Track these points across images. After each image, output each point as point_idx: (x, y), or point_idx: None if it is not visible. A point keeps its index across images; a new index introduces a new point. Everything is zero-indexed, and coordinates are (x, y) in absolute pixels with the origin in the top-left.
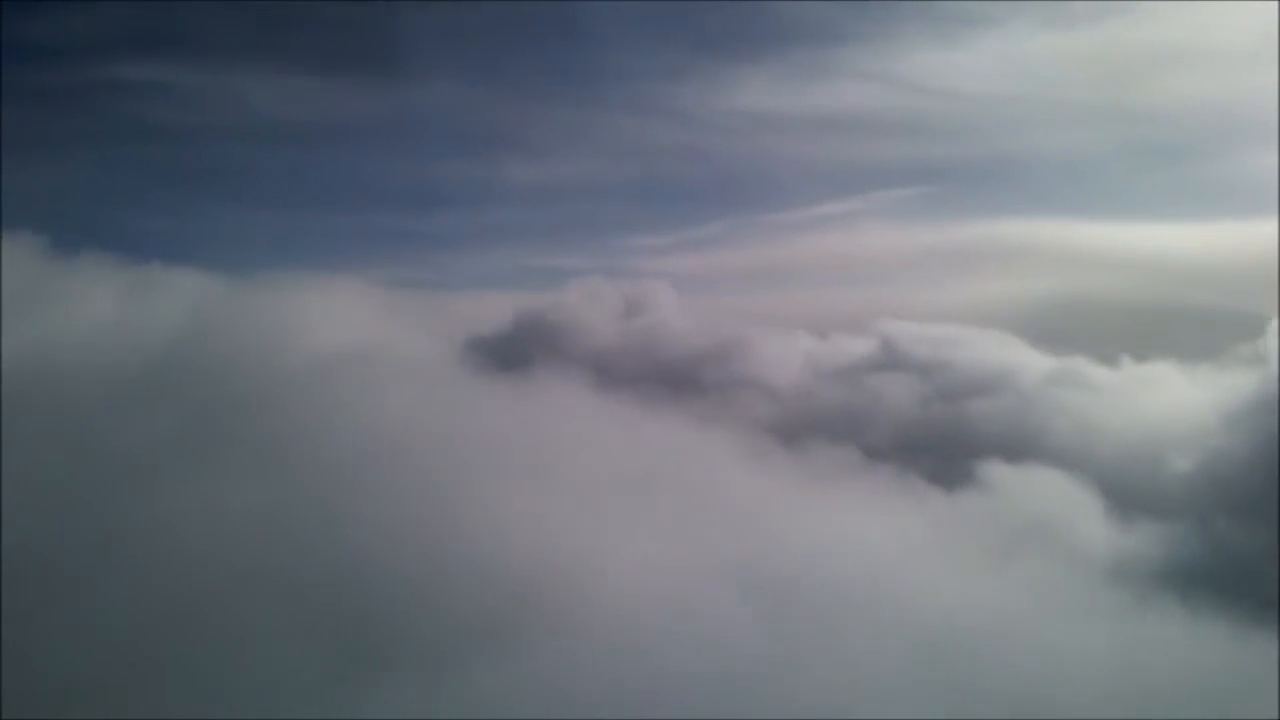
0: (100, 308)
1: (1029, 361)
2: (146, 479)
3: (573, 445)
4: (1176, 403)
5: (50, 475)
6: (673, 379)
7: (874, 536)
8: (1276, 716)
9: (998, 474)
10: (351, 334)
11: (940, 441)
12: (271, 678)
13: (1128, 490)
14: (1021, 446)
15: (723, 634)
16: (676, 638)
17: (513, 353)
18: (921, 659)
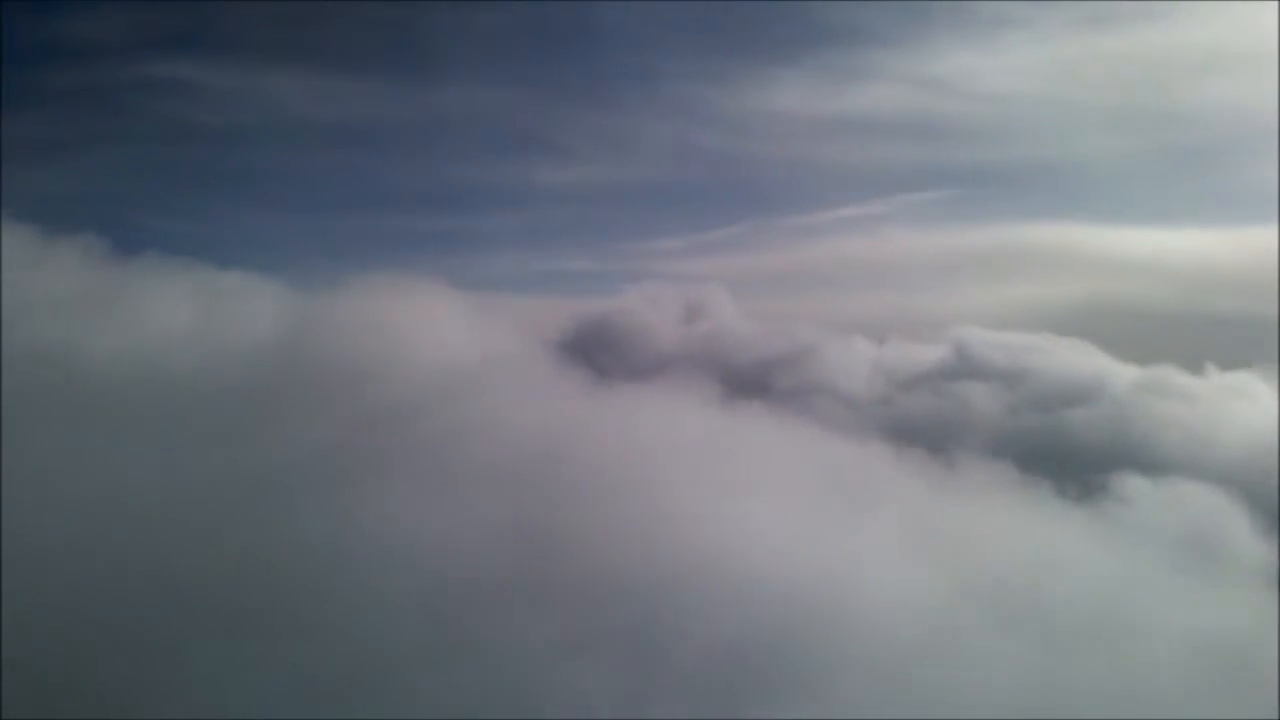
0: (180, 314)
1: (1111, 369)
2: (297, 492)
3: (737, 455)
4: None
5: (186, 490)
6: (747, 385)
7: (1048, 548)
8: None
9: (1133, 486)
10: (449, 338)
11: (1050, 452)
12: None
13: (1265, 501)
14: (1131, 457)
15: (984, 655)
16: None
17: (595, 359)
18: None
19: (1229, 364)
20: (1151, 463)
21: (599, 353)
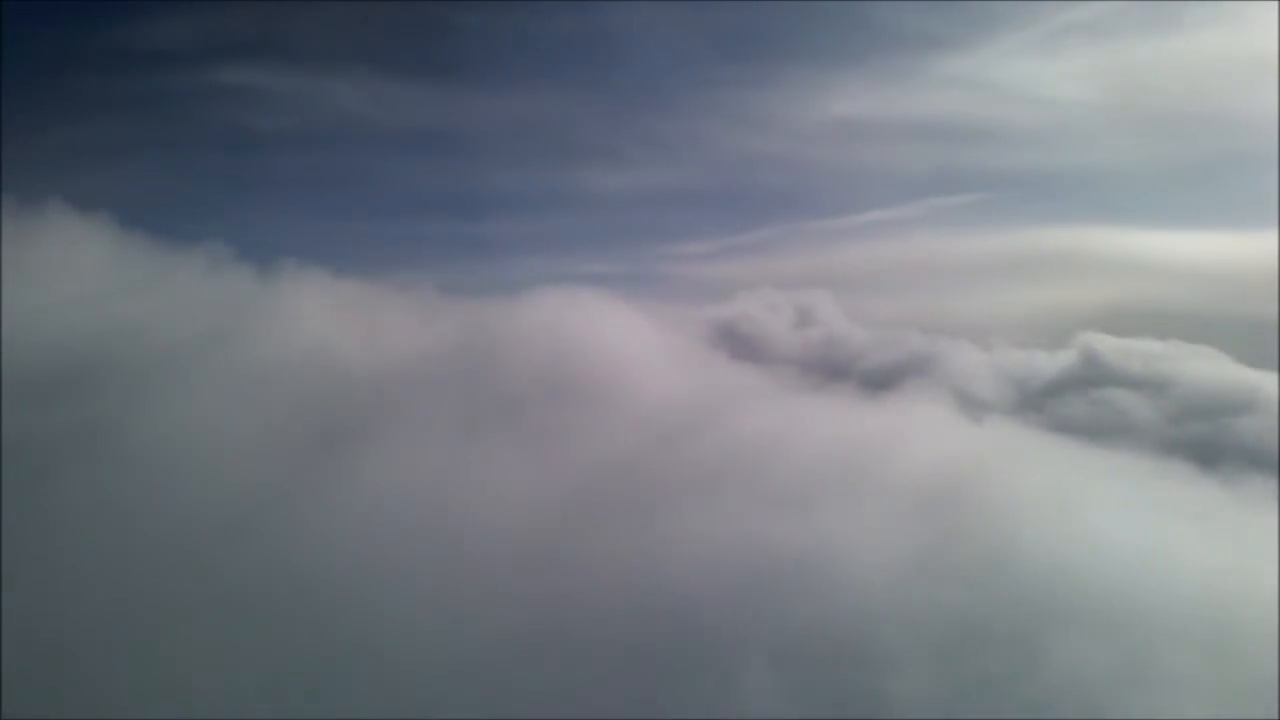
0: (348, 323)
1: (1257, 377)
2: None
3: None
4: None
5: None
6: (880, 392)
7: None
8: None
9: None
10: (624, 345)
11: (1236, 460)
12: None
13: None
14: None
15: None
16: None
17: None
18: None
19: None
20: None
21: (734, 359)
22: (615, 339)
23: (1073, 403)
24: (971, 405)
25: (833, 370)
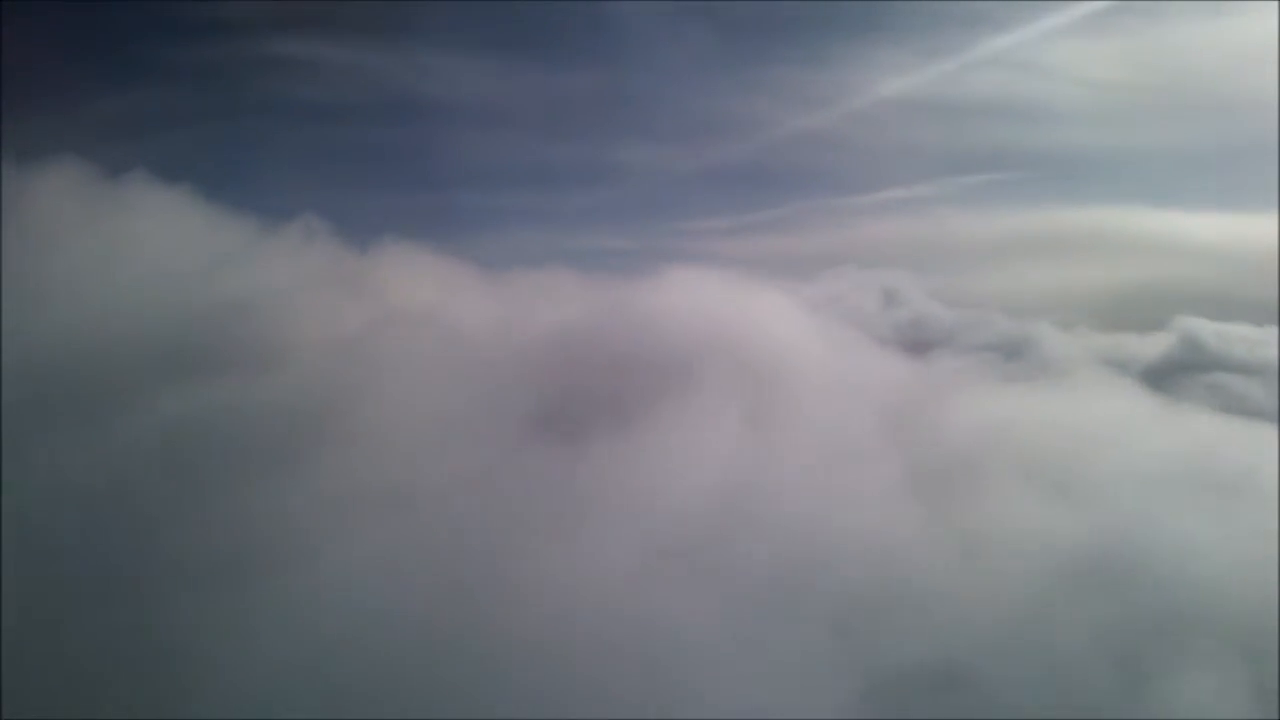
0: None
1: None
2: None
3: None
4: None
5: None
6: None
7: None
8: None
9: None
10: (769, 326)
11: None
12: None
13: None
14: None
15: None
16: None
17: None
18: None
19: None
20: None
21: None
22: (778, 323)
23: (1188, 386)
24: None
25: (928, 351)
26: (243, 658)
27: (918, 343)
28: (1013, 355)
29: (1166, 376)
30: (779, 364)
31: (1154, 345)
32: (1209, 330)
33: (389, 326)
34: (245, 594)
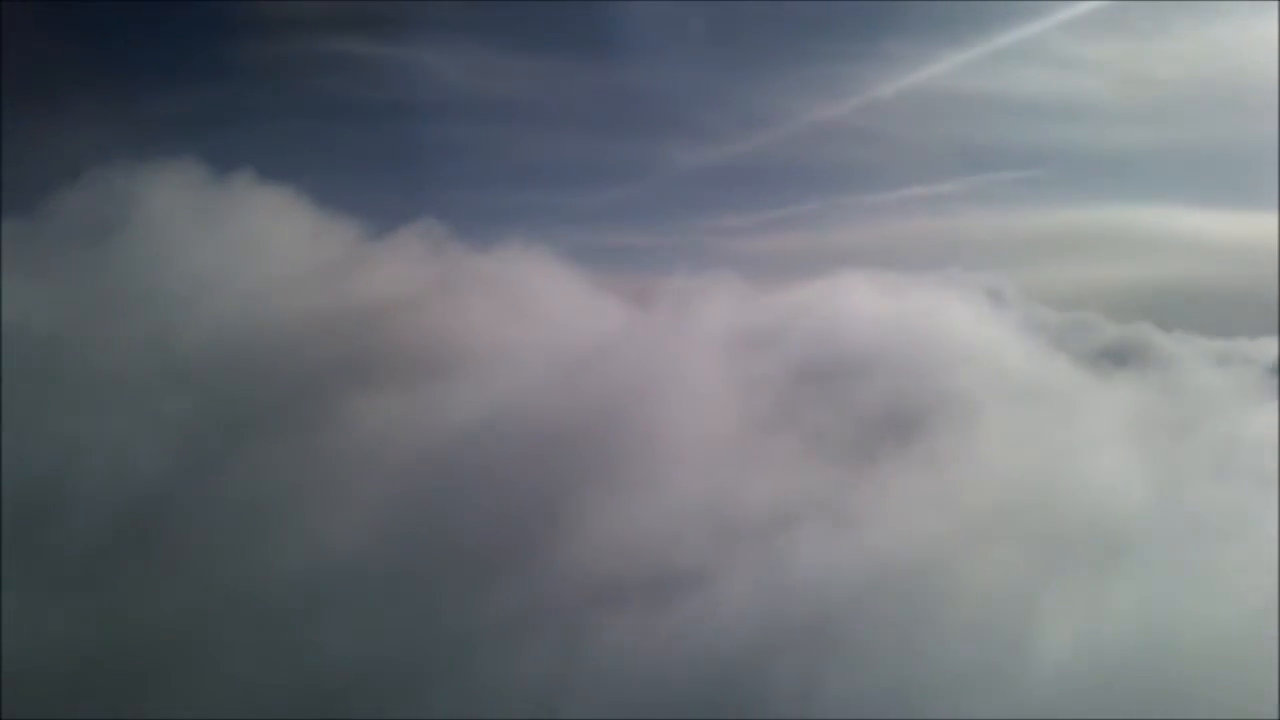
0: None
1: None
2: None
3: None
4: None
5: None
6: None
7: None
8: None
9: None
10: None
11: None
12: None
13: None
14: None
15: None
16: None
17: None
18: None
19: None
20: None
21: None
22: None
23: None
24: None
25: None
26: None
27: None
28: (1120, 361)
29: None
30: (1023, 377)
31: (1266, 349)
32: None
33: (620, 335)
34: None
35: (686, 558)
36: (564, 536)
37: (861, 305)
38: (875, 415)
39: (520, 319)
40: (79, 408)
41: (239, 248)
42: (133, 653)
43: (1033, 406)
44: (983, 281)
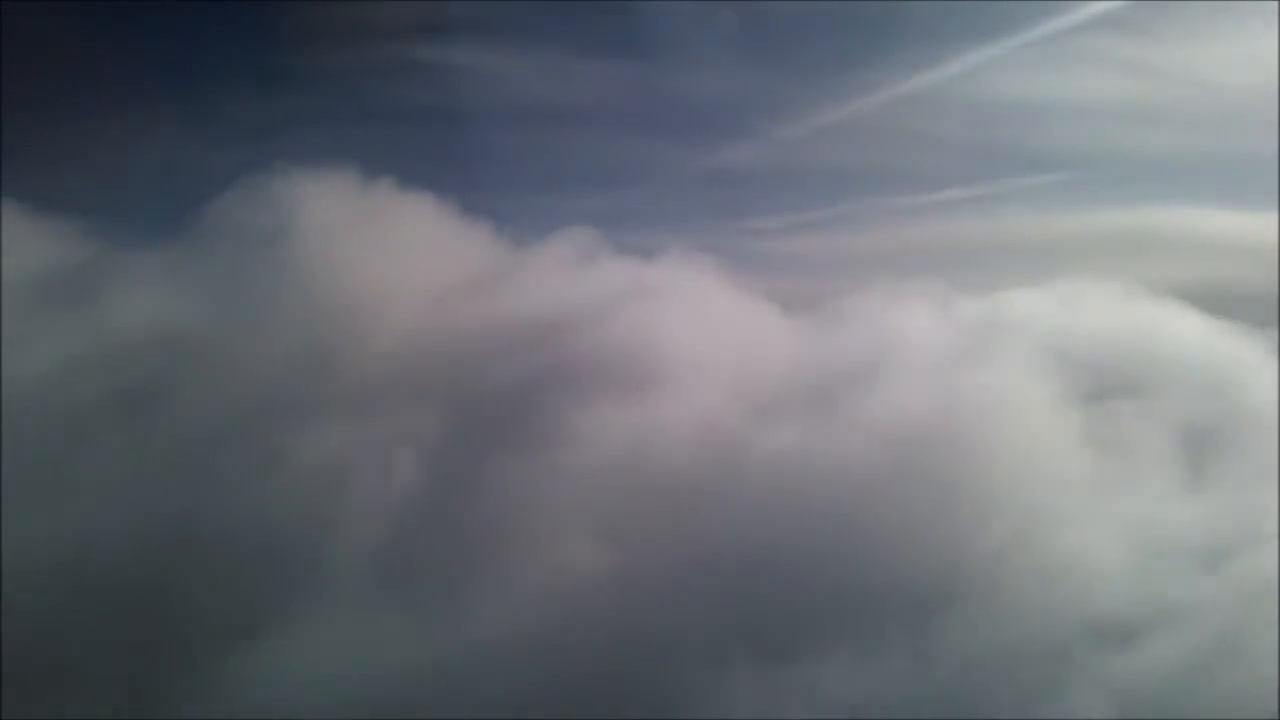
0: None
1: None
2: None
3: None
4: None
5: None
6: None
7: None
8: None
9: None
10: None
11: None
12: None
13: None
14: None
15: None
16: None
17: None
18: None
19: None
20: None
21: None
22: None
23: None
24: None
25: None
26: None
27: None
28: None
29: None
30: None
31: None
32: None
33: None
34: None
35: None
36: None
37: (1095, 315)
38: (1189, 431)
39: (715, 329)
40: (293, 421)
41: (398, 255)
42: (409, 672)
43: None
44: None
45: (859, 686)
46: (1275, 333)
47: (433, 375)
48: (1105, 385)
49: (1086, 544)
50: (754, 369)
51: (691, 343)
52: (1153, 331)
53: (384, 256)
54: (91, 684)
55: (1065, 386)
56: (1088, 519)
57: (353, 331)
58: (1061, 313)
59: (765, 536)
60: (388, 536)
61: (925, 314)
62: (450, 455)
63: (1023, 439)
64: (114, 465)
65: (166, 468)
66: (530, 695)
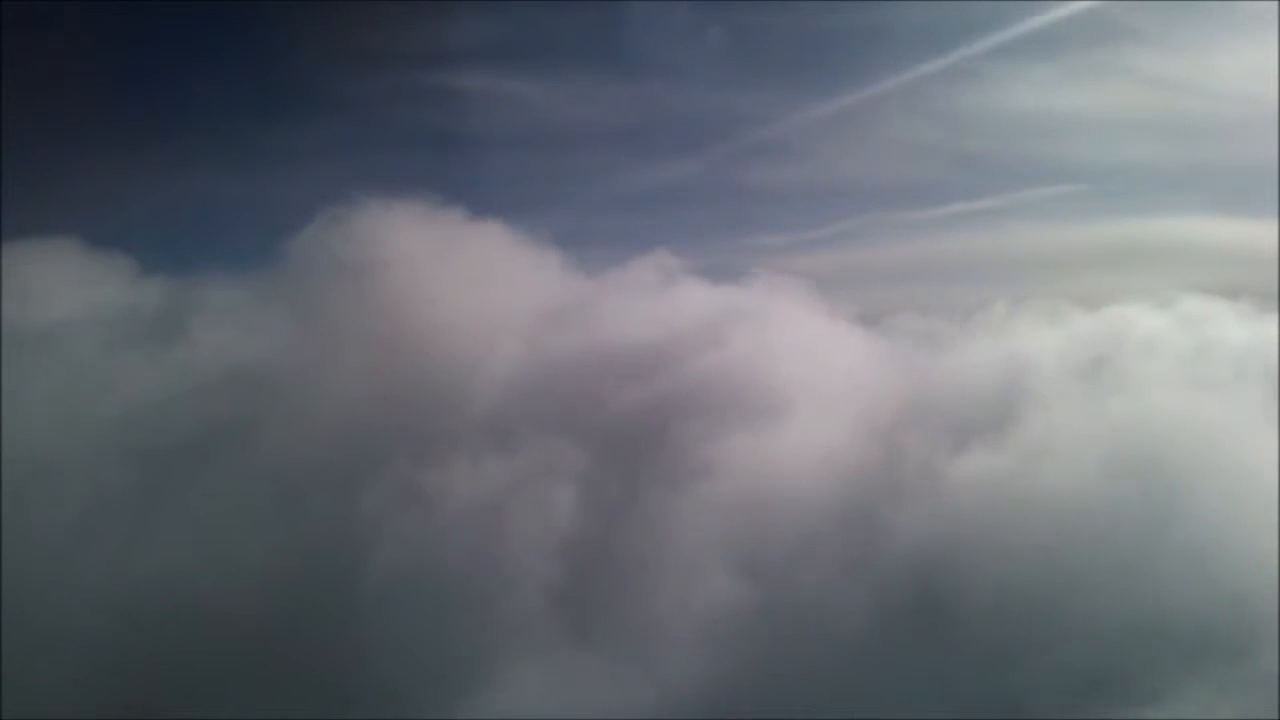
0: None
1: None
2: None
3: None
4: None
5: None
6: None
7: None
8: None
9: None
10: None
11: None
12: None
13: None
14: None
15: None
16: None
17: None
18: None
19: None
20: None
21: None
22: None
23: None
24: None
25: None
26: None
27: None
28: None
29: None
30: None
31: None
32: None
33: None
34: None
35: None
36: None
37: (1221, 331)
38: None
39: (823, 353)
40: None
41: (481, 284)
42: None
43: None
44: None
45: None
46: None
47: (553, 407)
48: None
49: None
50: (882, 392)
51: (804, 367)
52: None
53: (469, 286)
54: None
55: (1259, 403)
56: None
57: (459, 364)
58: (1186, 328)
59: (972, 568)
60: (560, 576)
61: (1047, 330)
62: (601, 489)
63: (1240, 458)
64: (236, 504)
65: (303, 504)
66: None
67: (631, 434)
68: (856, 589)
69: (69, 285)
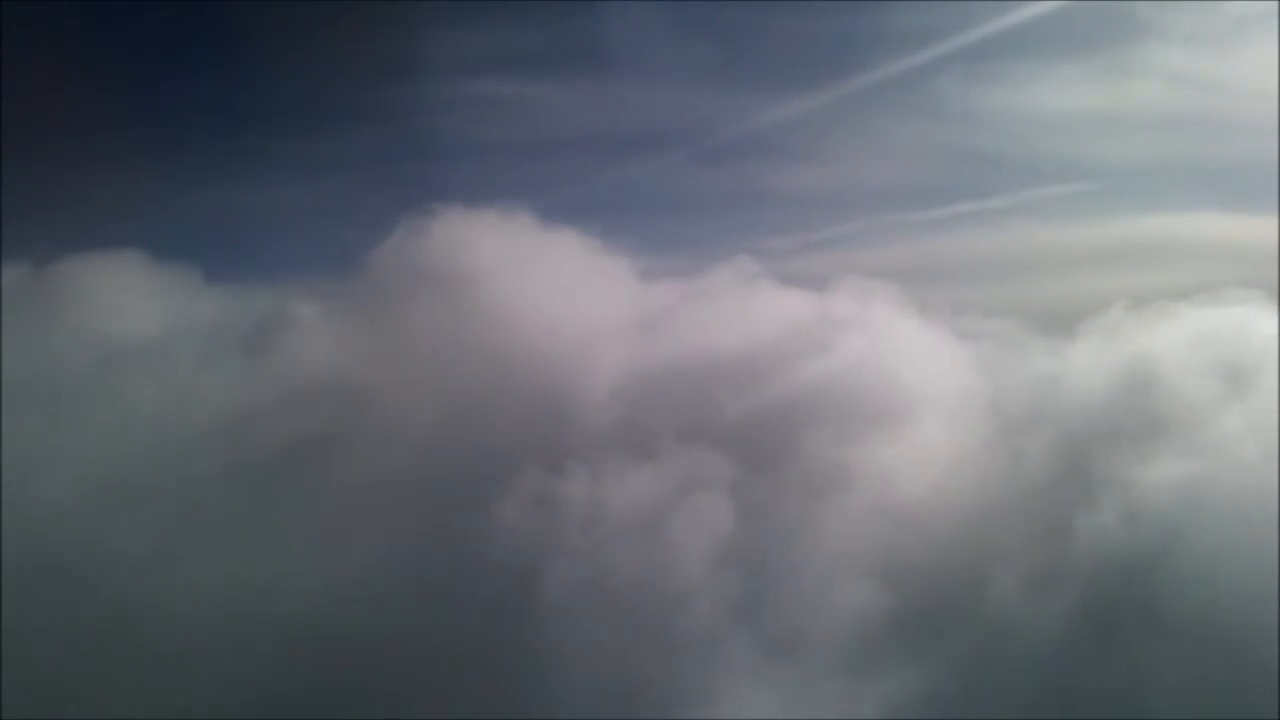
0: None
1: None
2: None
3: None
4: None
5: None
6: None
7: None
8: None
9: None
10: None
11: None
12: None
13: None
14: None
15: None
16: None
17: None
18: None
19: None
20: None
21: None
22: None
23: None
24: None
25: None
26: None
27: None
28: None
29: None
30: None
31: None
32: None
33: None
34: None
35: None
36: None
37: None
38: None
39: (927, 357)
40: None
41: (567, 291)
42: None
43: None
44: None
45: None
46: None
47: (680, 416)
48: None
49: None
50: (999, 398)
51: (915, 371)
52: None
53: (555, 293)
54: None
55: None
56: None
57: (564, 372)
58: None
59: (1174, 574)
60: (733, 587)
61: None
62: (749, 499)
63: None
64: (370, 511)
65: (435, 515)
66: None
67: (764, 442)
68: (1053, 597)
69: (138, 298)
